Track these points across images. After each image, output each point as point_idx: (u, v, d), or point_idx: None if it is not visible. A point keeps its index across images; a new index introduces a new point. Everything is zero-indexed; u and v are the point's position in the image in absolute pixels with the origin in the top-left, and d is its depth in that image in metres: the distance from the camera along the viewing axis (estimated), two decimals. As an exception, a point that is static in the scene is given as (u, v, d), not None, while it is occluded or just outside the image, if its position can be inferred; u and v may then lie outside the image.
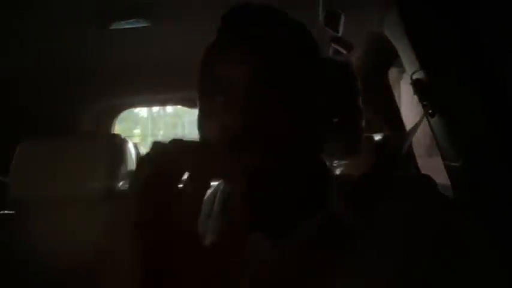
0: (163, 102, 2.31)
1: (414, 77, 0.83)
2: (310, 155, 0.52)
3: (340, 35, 1.14)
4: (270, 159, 0.45)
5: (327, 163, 0.57)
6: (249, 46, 0.47)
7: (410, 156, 0.99)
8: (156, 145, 0.35)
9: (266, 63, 0.46)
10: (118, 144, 1.22)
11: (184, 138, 0.41)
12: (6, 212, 1.21)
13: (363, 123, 0.55)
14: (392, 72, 1.24)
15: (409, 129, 1.03)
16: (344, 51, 1.11)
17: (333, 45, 1.12)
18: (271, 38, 0.48)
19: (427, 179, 0.63)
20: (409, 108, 1.25)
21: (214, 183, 0.61)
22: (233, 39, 0.49)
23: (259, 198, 0.48)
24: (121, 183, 1.23)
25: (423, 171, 1.00)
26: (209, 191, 0.59)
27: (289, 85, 0.47)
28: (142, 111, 8.56)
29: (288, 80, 0.47)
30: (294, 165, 0.48)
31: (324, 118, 0.52)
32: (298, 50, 0.50)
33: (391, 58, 1.01)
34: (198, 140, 0.51)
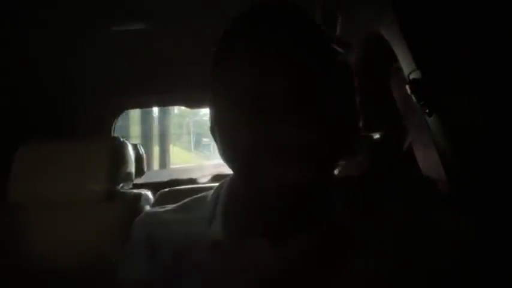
0: (164, 103, 2.32)
1: (411, 76, 0.83)
2: (335, 165, 0.51)
3: (337, 33, 1.14)
4: (307, 173, 0.44)
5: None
6: (289, 54, 0.45)
7: (410, 156, 0.98)
8: None
9: (308, 72, 0.44)
10: (117, 147, 1.22)
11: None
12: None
13: (360, 123, 0.55)
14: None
15: (408, 129, 1.03)
16: (341, 51, 1.11)
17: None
18: (309, 45, 0.46)
19: (427, 179, 0.62)
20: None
21: (215, 184, 0.61)
22: (268, 45, 0.45)
23: (276, 208, 0.48)
24: (120, 185, 1.24)
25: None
26: (211, 192, 0.59)
27: (328, 94, 0.45)
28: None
29: (326, 88, 0.45)
30: (323, 178, 0.47)
31: (347, 125, 0.50)
32: (330, 54, 0.48)
33: (390, 58, 1.00)
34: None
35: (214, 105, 0.50)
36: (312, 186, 0.45)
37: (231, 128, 0.46)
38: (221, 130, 0.49)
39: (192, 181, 1.82)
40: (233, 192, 0.55)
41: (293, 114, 0.42)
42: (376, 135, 1.07)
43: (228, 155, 0.48)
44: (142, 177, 1.57)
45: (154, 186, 1.40)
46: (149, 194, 1.27)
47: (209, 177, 1.88)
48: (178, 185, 1.37)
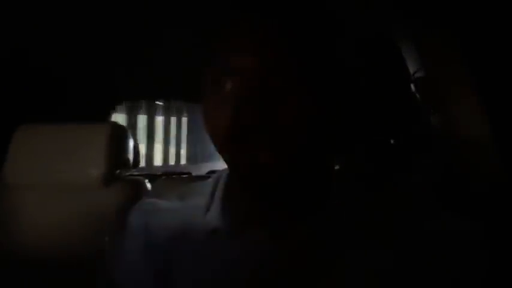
0: (163, 95, 2.31)
1: (416, 75, 0.83)
2: (319, 151, 0.50)
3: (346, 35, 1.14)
4: (279, 152, 0.44)
5: (329, 157, 0.56)
6: (265, 34, 0.45)
7: (412, 155, 0.99)
8: None
9: (283, 53, 0.44)
10: (117, 132, 1.21)
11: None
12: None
13: (364, 121, 0.55)
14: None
15: (413, 130, 1.03)
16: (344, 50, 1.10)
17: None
18: (292, 28, 0.46)
19: (429, 176, 0.62)
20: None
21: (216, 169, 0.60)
22: (249, 26, 0.46)
23: (263, 191, 0.48)
24: (118, 171, 1.22)
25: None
26: (209, 180, 0.59)
27: (306, 78, 0.45)
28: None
29: (305, 73, 0.45)
30: (302, 160, 0.46)
31: (335, 116, 0.50)
32: (319, 43, 0.47)
33: (399, 59, 1.01)
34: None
35: (203, 95, 0.50)
36: (284, 168, 0.45)
37: (207, 111, 0.47)
38: (204, 114, 0.49)
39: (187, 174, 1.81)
40: (231, 181, 0.55)
41: (260, 97, 0.43)
42: (380, 135, 1.07)
43: (211, 138, 0.48)
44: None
45: (148, 178, 1.39)
46: (146, 181, 1.26)
47: (204, 173, 1.88)
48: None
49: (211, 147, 0.50)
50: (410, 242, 0.46)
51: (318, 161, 0.51)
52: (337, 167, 0.71)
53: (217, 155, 0.49)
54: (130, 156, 1.29)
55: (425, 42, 0.81)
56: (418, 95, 0.81)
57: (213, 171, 1.73)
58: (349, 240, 0.47)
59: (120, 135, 1.22)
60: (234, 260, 0.49)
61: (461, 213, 0.51)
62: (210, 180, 0.58)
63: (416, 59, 0.82)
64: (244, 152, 0.44)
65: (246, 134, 0.43)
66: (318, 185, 0.51)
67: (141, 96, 2.15)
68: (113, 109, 2.00)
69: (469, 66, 0.73)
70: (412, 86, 0.82)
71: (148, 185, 1.24)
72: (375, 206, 0.50)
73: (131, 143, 1.30)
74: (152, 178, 1.32)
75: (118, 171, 1.23)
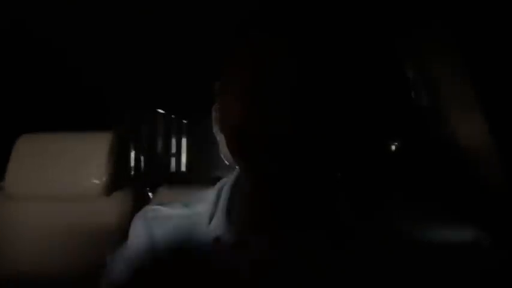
0: (164, 106, 2.31)
1: (415, 80, 0.83)
2: (332, 160, 0.49)
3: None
4: (302, 161, 0.44)
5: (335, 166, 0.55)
6: (305, 46, 0.44)
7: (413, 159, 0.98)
8: None
9: (325, 67, 0.44)
10: (118, 141, 1.21)
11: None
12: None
13: (365, 127, 0.54)
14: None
15: (412, 134, 1.03)
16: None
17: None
18: (330, 39, 0.45)
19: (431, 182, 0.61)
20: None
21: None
22: (282, 35, 0.45)
23: (276, 199, 0.48)
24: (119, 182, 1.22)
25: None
26: (212, 189, 0.58)
27: (343, 92, 0.45)
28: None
29: (342, 87, 0.45)
30: (318, 169, 0.47)
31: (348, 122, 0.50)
32: (357, 56, 0.48)
33: (398, 63, 1.00)
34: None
35: (224, 96, 0.50)
36: (314, 182, 0.46)
37: (241, 116, 0.46)
38: (228, 120, 0.48)
39: (189, 182, 1.81)
40: (236, 189, 0.55)
41: (301, 108, 0.42)
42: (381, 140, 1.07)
43: (234, 146, 0.48)
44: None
45: (151, 185, 1.38)
46: (148, 191, 1.26)
47: (207, 180, 1.87)
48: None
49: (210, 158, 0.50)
50: (413, 250, 0.46)
51: (328, 169, 0.51)
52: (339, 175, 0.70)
53: (216, 163, 0.49)
54: (131, 164, 1.29)
55: (424, 44, 0.81)
56: (417, 99, 0.81)
57: (216, 178, 1.71)
58: (353, 249, 0.47)
59: (121, 144, 1.22)
60: (236, 269, 0.48)
61: (465, 220, 0.51)
62: (213, 188, 0.58)
63: (416, 61, 0.82)
64: (268, 159, 0.43)
65: (273, 142, 0.43)
66: (323, 194, 0.51)
67: (144, 107, 2.16)
68: (114, 118, 2.00)
69: (468, 67, 0.73)
70: (412, 90, 0.82)
71: (150, 195, 1.24)
72: (378, 215, 0.49)
73: (133, 153, 1.30)
74: (154, 186, 1.32)
75: (119, 180, 1.22)
